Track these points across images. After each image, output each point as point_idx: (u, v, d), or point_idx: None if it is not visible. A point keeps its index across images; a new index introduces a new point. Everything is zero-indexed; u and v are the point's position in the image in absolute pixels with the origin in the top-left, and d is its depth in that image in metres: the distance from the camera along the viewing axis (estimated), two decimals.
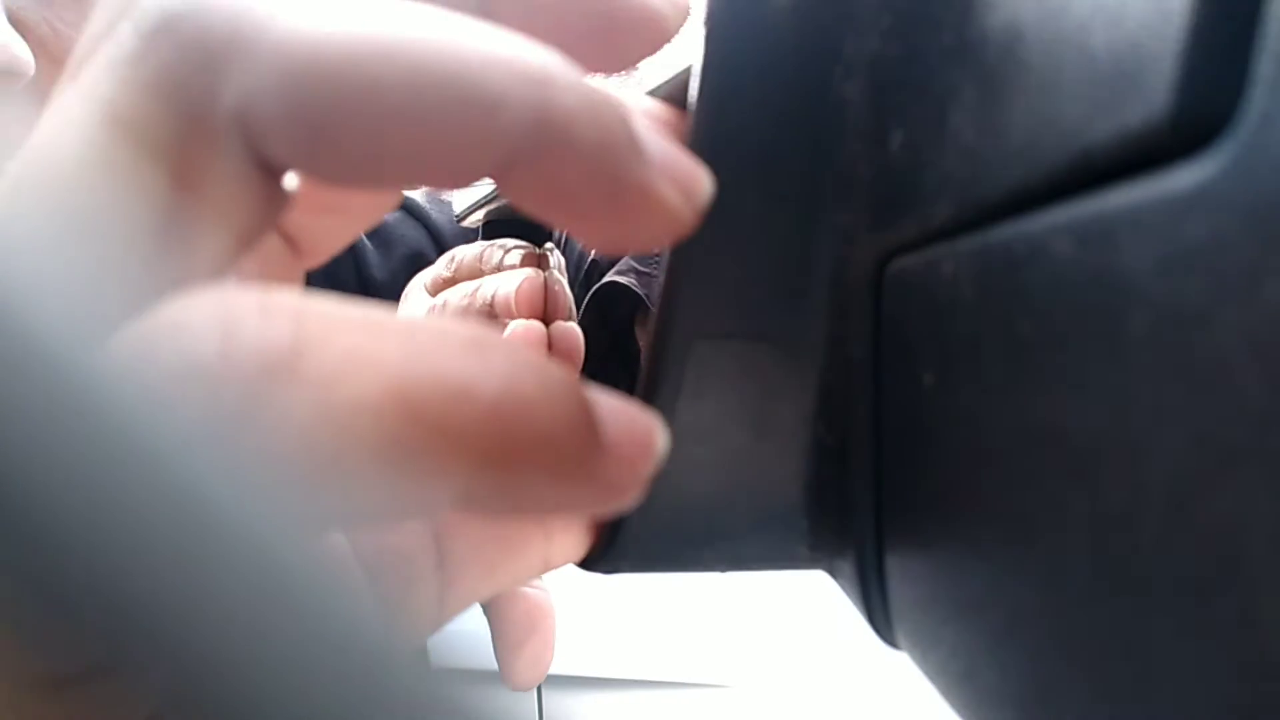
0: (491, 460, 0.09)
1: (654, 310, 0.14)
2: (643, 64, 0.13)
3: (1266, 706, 0.08)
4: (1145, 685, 0.09)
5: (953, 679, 0.13)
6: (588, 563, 0.16)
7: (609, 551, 0.15)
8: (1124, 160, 0.09)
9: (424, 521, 0.14)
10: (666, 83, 0.17)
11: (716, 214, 0.13)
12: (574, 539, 0.15)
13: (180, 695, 0.07)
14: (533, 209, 0.10)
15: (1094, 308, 0.10)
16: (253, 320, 0.08)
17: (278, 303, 0.09)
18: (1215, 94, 0.08)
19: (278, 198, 0.11)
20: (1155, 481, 0.09)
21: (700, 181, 0.11)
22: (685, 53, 0.14)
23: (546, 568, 0.15)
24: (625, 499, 0.11)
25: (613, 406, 0.11)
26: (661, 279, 0.14)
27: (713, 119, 0.13)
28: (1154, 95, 0.09)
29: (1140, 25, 0.09)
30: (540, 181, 0.10)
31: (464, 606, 0.15)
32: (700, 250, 0.14)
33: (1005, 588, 0.11)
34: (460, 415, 0.09)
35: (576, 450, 0.10)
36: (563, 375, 0.10)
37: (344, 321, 0.09)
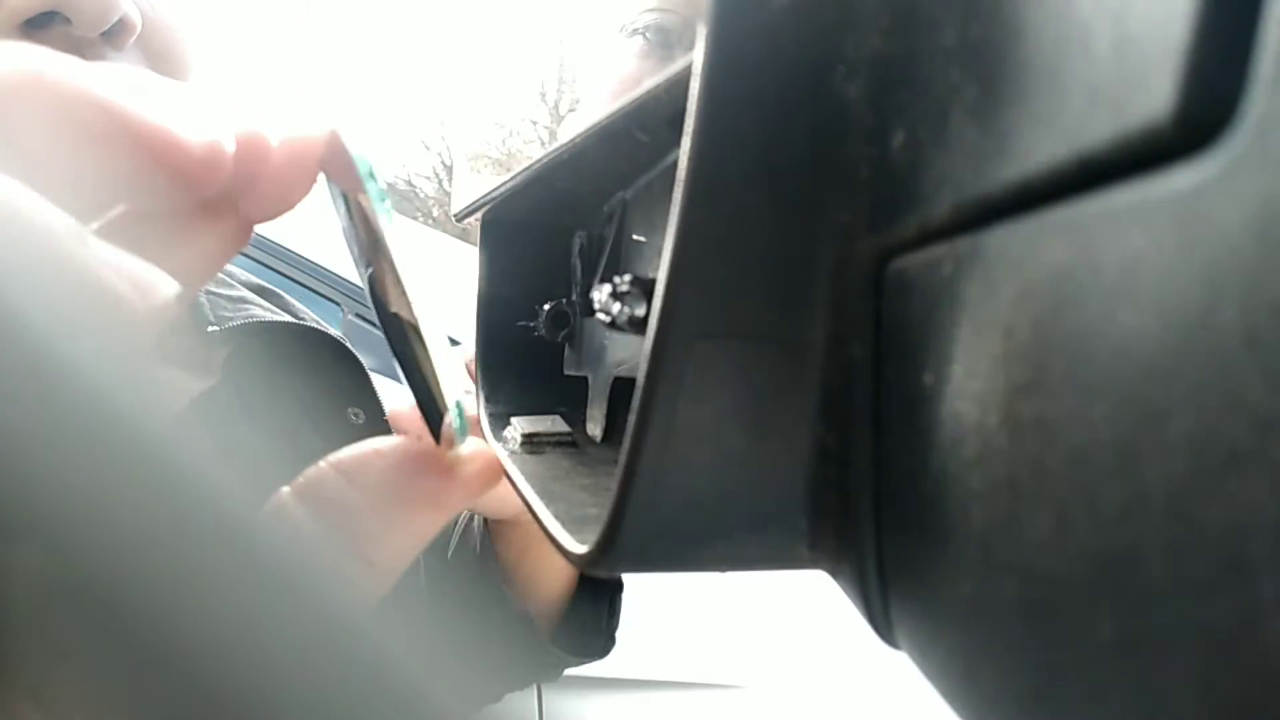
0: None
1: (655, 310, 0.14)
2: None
3: (1266, 706, 0.08)
4: (1145, 685, 0.09)
5: (952, 679, 0.13)
6: (588, 563, 0.16)
7: (609, 551, 0.15)
8: (1127, 159, 0.09)
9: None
10: (667, 82, 0.16)
11: (717, 214, 0.13)
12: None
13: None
14: None
15: (1093, 307, 0.10)
16: None
17: None
18: (1217, 93, 0.08)
19: None
20: (1155, 481, 0.09)
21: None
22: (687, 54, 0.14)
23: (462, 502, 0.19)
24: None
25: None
26: (662, 279, 0.14)
27: (713, 119, 0.13)
28: (1158, 94, 0.09)
29: (1143, 23, 0.09)
30: None
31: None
32: (701, 250, 0.14)
33: (1004, 588, 0.11)
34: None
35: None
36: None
37: None
